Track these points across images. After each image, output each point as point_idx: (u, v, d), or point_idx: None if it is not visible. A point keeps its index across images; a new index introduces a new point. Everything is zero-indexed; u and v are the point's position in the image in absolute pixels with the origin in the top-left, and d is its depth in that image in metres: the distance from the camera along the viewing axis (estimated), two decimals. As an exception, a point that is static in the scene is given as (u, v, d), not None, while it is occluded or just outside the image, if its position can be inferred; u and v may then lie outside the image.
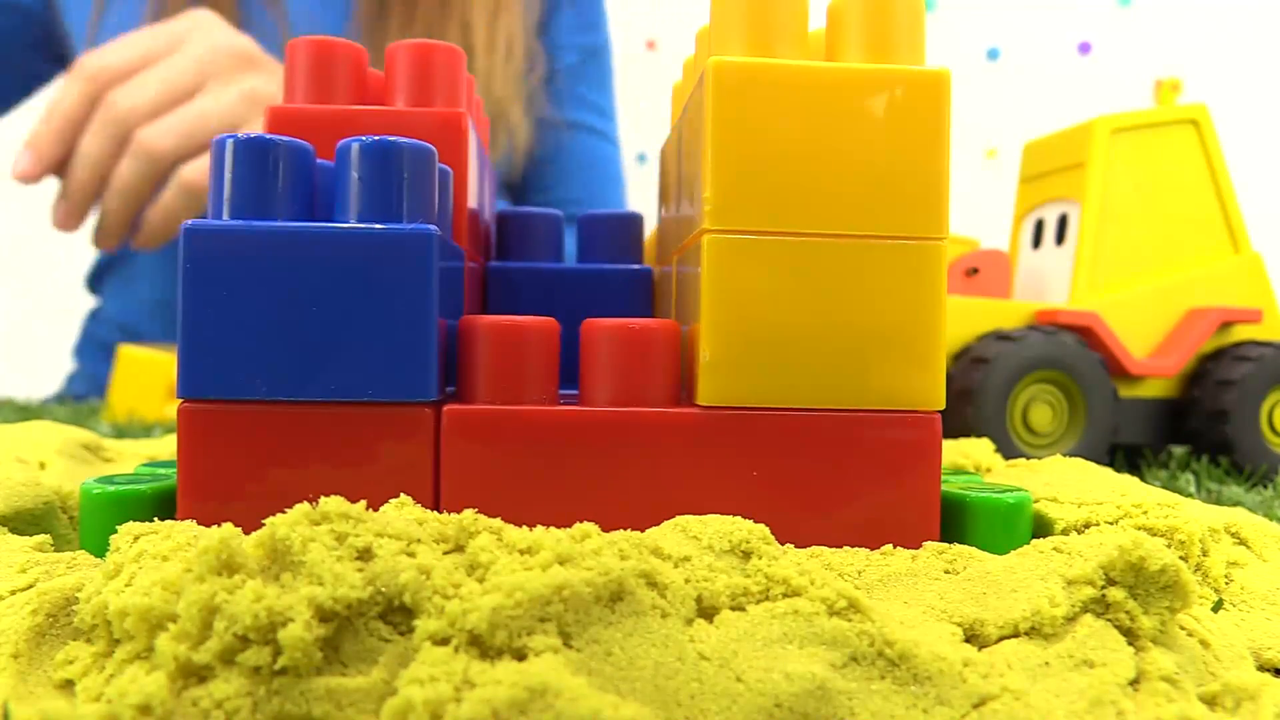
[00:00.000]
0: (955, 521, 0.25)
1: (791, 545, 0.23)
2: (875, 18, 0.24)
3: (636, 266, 0.33)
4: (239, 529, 0.19)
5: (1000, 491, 0.25)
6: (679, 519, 0.22)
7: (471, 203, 0.30)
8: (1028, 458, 0.39)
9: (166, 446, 0.37)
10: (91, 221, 0.62)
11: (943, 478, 0.25)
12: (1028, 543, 0.23)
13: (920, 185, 0.24)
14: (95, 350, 0.90)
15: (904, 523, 0.24)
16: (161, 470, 0.26)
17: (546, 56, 0.89)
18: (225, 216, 0.23)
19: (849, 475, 0.24)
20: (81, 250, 0.92)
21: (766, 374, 0.24)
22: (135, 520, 0.22)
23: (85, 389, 0.89)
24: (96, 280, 0.93)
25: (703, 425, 0.24)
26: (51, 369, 0.95)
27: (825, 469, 0.24)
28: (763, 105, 0.23)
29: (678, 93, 0.33)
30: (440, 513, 0.21)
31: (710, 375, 0.23)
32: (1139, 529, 0.24)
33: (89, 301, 0.95)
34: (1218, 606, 0.23)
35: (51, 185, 0.62)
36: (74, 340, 0.95)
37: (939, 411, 0.24)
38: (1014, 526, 0.24)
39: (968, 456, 0.36)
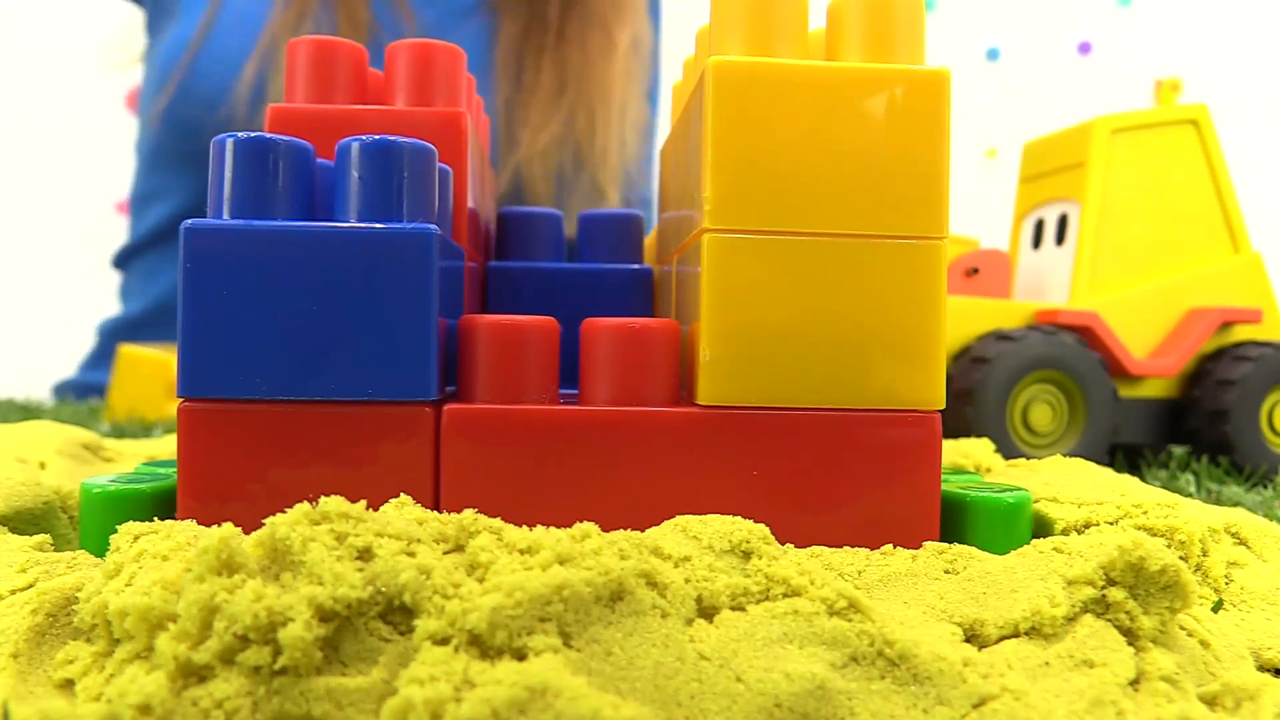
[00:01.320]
0: (955, 521, 0.24)
1: (791, 545, 0.23)
2: (875, 18, 0.24)
3: (636, 266, 0.33)
4: (239, 529, 0.19)
5: (1000, 491, 0.25)
6: (679, 519, 0.22)
7: (471, 202, 0.30)
8: (1028, 458, 0.39)
9: (166, 446, 0.37)
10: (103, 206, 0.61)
11: (943, 478, 0.25)
12: (1028, 543, 0.23)
13: (920, 185, 0.24)
14: (119, 329, 0.91)
15: (904, 523, 0.24)
16: (161, 470, 0.26)
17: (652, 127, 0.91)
18: (225, 216, 0.23)
19: (849, 475, 0.24)
20: (102, 231, 0.92)
21: (766, 373, 0.24)
22: (135, 520, 0.22)
23: (104, 371, 0.90)
24: (124, 259, 0.94)
25: (703, 425, 0.24)
26: (68, 348, 0.95)
27: (825, 469, 0.24)
28: (763, 105, 0.23)
29: (678, 93, 0.33)
30: (440, 512, 0.21)
31: (710, 375, 0.23)
32: (1139, 529, 0.24)
33: (108, 280, 0.95)
34: (1218, 606, 0.23)
35: (49, 180, 0.62)
36: (98, 321, 0.95)
37: (939, 411, 0.24)
38: (1014, 526, 0.24)
39: (968, 456, 0.36)
